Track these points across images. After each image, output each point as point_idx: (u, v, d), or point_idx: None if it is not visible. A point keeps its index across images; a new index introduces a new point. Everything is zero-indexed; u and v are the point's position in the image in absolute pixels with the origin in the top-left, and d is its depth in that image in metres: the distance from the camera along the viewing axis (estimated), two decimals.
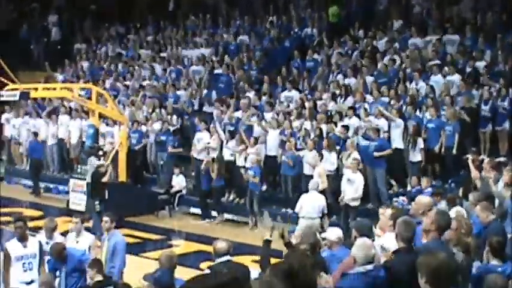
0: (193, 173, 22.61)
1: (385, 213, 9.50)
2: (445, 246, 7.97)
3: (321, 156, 19.50)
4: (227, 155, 21.62)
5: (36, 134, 25.32)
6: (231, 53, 26.92)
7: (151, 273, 10.05)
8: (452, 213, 11.41)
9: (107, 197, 19.61)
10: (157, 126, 23.52)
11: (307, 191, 18.13)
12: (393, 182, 19.99)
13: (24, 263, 11.67)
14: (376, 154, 19.29)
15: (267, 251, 9.49)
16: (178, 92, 25.28)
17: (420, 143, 19.50)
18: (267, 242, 9.57)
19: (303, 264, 5.73)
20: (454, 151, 19.15)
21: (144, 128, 23.70)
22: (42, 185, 25.23)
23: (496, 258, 8.94)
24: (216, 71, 26.06)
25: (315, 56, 24.94)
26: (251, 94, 23.75)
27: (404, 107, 20.42)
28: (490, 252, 9.02)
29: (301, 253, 7.65)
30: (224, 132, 22.13)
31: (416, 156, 19.59)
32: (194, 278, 4.12)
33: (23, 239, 11.70)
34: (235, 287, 3.76)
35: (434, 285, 5.66)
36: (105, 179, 20.05)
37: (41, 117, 26.22)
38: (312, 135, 20.38)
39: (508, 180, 13.61)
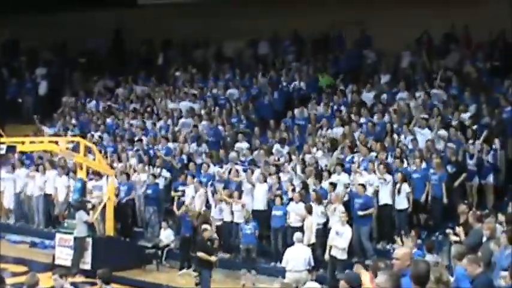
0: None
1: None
2: None
3: (310, 209, 19.39)
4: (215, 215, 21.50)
5: None
6: (220, 106, 26.96)
7: None
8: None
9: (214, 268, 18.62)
10: (143, 177, 23.41)
11: (294, 243, 18.05)
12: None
13: None
14: (360, 213, 19.32)
15: None
16: (169, 145, 25.09)
17: (406, 188, 19.46)
18: None
19: None
20: (444, 200, 19.26)
21: (132, 180, 23.52)
22: (27, 239, 24.98)
23: None
24: (203, 123, 25.99)
25: (305, 114, 24.94)
26: (241, 147, 23.78)
27: (391, 160, 20.46)
28: None
29: None
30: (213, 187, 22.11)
31: (402, 203, 19.54)
32: None
33: None
34: None
35: None
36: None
37: (26, 168, 25.96)
38: (298, 189, 20.36)
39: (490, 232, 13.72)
